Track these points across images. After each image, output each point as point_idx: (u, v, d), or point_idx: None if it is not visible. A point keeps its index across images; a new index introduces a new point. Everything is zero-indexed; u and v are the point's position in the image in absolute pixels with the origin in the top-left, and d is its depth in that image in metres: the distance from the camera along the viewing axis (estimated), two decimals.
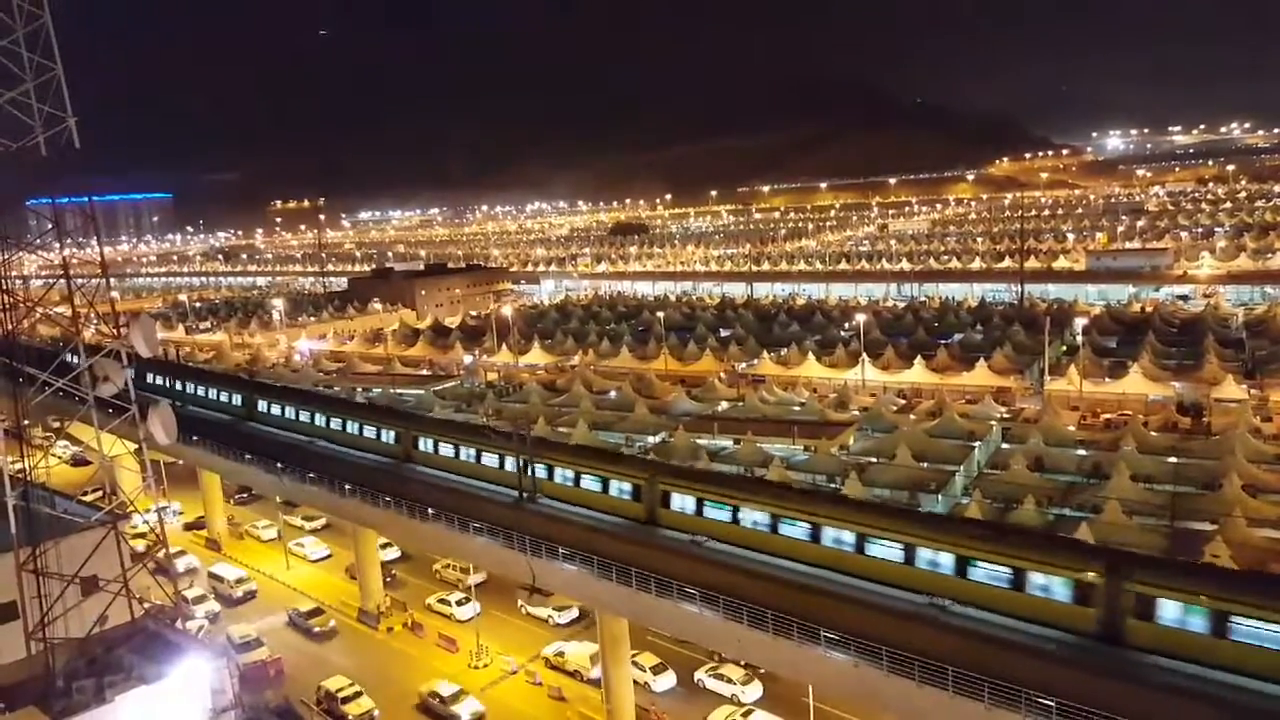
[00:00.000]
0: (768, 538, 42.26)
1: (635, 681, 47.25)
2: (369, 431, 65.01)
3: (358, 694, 47.40)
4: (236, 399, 79.18)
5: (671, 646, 50.66)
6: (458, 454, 57.89)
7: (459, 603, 57.80)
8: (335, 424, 68.32)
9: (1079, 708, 27.35)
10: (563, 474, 51.09)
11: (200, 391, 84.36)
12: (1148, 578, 31.64)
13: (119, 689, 33.85)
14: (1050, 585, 33.50)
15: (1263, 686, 28.45)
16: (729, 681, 47.10)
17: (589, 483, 49.73)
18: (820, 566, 40.12)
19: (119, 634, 37.39)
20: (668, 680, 48.30)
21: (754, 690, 46.67)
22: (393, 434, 62.95)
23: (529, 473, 52.16)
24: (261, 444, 67.72)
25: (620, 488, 48.10)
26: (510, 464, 53.34)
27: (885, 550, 38.33)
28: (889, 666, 31.53)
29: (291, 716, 47.33)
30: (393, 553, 67.46)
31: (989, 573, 35.29)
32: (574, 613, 55.92)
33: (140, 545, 53.19)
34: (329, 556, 68.94)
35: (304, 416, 71.46)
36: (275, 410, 74.70)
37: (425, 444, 60.34)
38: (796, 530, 41.33)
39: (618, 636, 44.07)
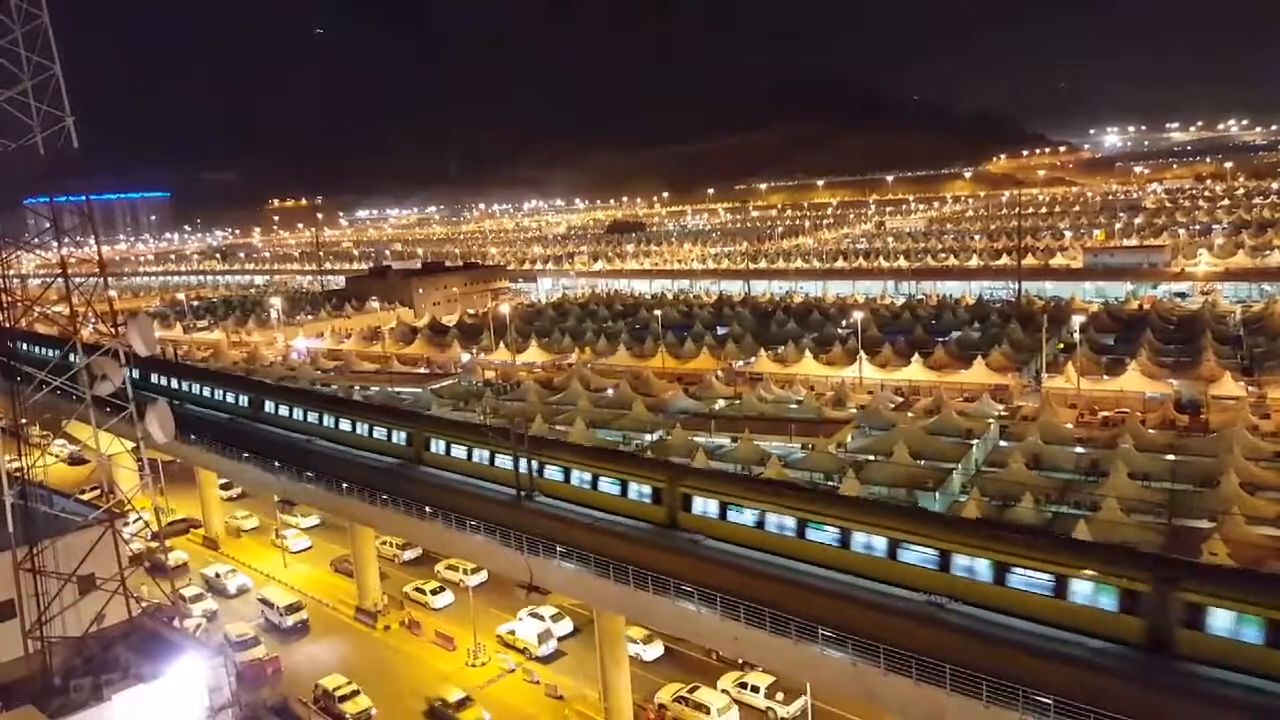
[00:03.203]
0: None
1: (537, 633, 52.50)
2: (612, 487, 48.47)
3: (355, 692, 47.44)
4: (399, 436, 62.65)
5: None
6: (761, 523, 42.16)
7: (434, 591, 59.47)
8: (558, 475, 51.36)
9: (1077, 706, 27.40)
10: (974, 565, 35.11)
11: (350, 426, 67.42)
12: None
13: (116, 687, 33.88)
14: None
15: None
16: (632, 641, 49.39)
17: (1026, 582, 33.75)
18: None
19: (116, 632, 37.44)
20: (565, 626, 53.41)
21: (655, 649, 50.57)
22: (649, 489, 46.94)
23: (529, 471, 52.08)
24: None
25: (1089, 594, 32.37)
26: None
27: None
28: (886, 665, 31.52)
29: (289, 715, 47.42)
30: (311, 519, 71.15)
31: None
32: (483, 575, 59.26)
33: (174, 556, 52.90)
34: (309, 548, 70.24)
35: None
36: (459, 452, 57.70)
37: (705, 506, 44.20)
38: None
39: (615, 635, 44.14)
